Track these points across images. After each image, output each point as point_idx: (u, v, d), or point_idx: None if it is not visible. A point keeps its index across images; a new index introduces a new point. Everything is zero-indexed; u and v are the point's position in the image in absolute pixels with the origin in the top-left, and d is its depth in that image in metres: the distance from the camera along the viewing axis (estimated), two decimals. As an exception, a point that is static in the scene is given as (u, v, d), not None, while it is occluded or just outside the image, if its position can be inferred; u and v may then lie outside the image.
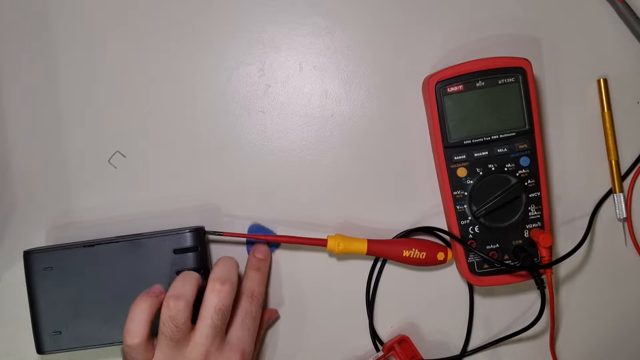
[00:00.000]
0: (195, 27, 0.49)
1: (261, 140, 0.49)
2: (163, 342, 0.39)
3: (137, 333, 0.39)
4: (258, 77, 0.49)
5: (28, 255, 0.45)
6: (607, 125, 0.49)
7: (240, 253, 0.50)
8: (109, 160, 0.49)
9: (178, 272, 0.45)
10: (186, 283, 0.41)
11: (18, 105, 0.49)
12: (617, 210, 0.50)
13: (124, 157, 0.49)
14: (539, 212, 0.46)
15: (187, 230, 0.45)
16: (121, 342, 0.45)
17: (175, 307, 0.39)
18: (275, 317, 0.50)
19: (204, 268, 0.46)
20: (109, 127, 0.49)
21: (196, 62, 0.49)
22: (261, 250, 0.48)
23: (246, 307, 0.43)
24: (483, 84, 0.45)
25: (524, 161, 0.45)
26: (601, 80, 0.49)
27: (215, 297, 0.40)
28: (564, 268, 0.51)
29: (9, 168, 0.49)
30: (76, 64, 0.49)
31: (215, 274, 0.42)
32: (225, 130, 0.49)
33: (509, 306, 0.51)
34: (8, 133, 0.49)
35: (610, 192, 0.50)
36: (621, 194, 0.49)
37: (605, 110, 0.49)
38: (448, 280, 0.50)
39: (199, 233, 0.46)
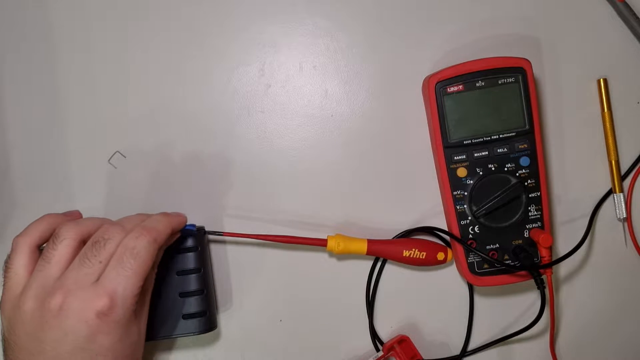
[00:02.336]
0: (195, 27, 0.49)
1: (261, 140, 0.49)
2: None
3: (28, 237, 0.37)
4: (258, 77, 0.49)
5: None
6: (607, 125, 0.49)
7: (240, 253, 0.50)
8: (109, 160, 0.49)
9: (178, 272, 0.45)
10: (160, 223, 0.39)
11: (18, 105, 0.49)
12: (617, 210, 0.50)
13: (124, 157, 0.49)
14: (539, 212, 0.46)
15: (187, 230, 0.45)
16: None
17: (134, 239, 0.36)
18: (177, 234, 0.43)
19: (204, 268, 0.46)
20: (109, 127, 0.49)
21: (196, 62, 0.49)
22: (180, 214, 0.44)
23: (128, 243, 0.36)
24: (483, 84, 0.45)
25: (524, 161, 0.45)
26: (601, 80, 0.49)
27: (97, 232, 0.37)
28: (564, 268, 0.51)
29: (9, 168, 0.49)
30: (76, 63, 0.49)
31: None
32: (226, 130, 0.49)
33: (509, 306, 0.51)
34: (8, 133, 0.49)
35: (610, 192, 0.50)
36: (621, 194, 0.49)
37: (605, 110, 0.49)
38: (448, 280, 0.50)
39: (199, 233, 0.46)
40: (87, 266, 0.35)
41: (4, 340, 0.37)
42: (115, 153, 0.49)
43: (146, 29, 0.49)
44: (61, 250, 0.36)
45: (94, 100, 0.49)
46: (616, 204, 0.50)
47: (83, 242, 0.38)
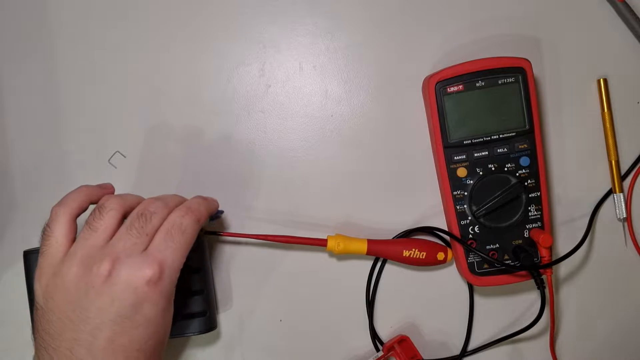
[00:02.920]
0: (195, 27, 0.49)
1: (261, 140, 0.49)
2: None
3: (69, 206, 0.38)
4: (258, 77, 0.49)
5: (28, 255, 0.45)
6: (607, 125, 0.49)
7: (240, 253, 0.50)
8: (109, 160, 0.49)
9: (178, 272, 0.45)
10: (201, 205, 0.39)
11: (18, 105, 0.49)
12: (617, 210, 0.50)
13: (124, 157, 0.49)
14: (539, 212, 0.46)
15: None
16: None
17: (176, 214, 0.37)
18: (217, 212, 0.44)
19: (203, 268, 0.46)
20: (109, 127, 0.49)
21: (196, 62, 0.49)
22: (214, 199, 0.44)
23: (176, 220, 0.37)
24: (483, 84, 0.45)
25: (524, 161, 0.45)
26: (601, 80, 0.49)
27: (141, 205, 0.38)
28: (564, 268, 0.51)
29: (9, 168, 0.49)
30: (76, 64, 0.49)
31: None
32: (226, 130, 0.49)
33: (509, 306, 0.51)
34: (8, 133, 0.49)
35: (610, 192, 0.50)
36: (621, 194, 0.49)
37: (605, 110, 0.49)
38: (448, 280, 0.50)
39: (199, 233, 0.46)
40: (135, 236, 0.36)
41: (38, 309, 0.36)
42: (115, 153, 0.49)
43: (146, 30, 0.49)
44: (107, 220, 0.36)
45: (93, 100, 0.49)
46: (616, 204, 0.50)
47: (125, 216, 0.38)
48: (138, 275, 0.34)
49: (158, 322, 0.36)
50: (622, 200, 0.49)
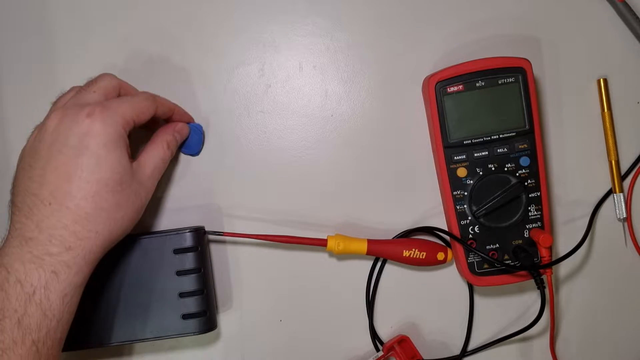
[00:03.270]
0: (195, 27, 0.49)
1: (261, 140, 0.49)
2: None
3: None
4: (258, 77, 0.49)
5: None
6: (607, 125, 0.49)
7: (240, 253, 0.50)
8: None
9: (178, 272, 0.45)
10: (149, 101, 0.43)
11: (18, 105, 0.49)
12: (617, 210, 0.50)
13: (124, 157, 0.49)
14: (539, 212, 0.46)
15: (187, 230, 0.45)
16: (120, 342, 0.45)
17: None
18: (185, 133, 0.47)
19: (204, 268, 0.46)
20: (109, 127, 0.49)
21: (196, 62, 0.49)
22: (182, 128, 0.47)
23: (139, 96, 0.42)
24: (483, 84, 0.45)
25: (524, 161, 0.45)
26: (601, 80, 0.49)
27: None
28: (564, 268, 0.51)
29: (9, 168, 0.49)
30: (76, 63, 0.49)
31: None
32: (226, 130, 0.49)
33: (509, 306, 0.51)
34: (8, 133, 0.49)
35: (610, 192, 0.50)
36: (621, 194, 0.49)
37: (605, 110, 0.49)
38: (448, 280, 0.50)
39: (199, 233, 0.46)
40: (95, 92, 0.40)
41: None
42: (115, 153, 0.49)
43: (146, 29, 0.49)
44: (71, 93, 0.42)
45: (94, 100, 0.49)
46: (616, 204, 0.50)
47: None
48: (82, 112, 0.38)
49: (103, 164, 0.38)
50: (622, 200, 0.49)
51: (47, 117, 0.40)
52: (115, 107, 0.39)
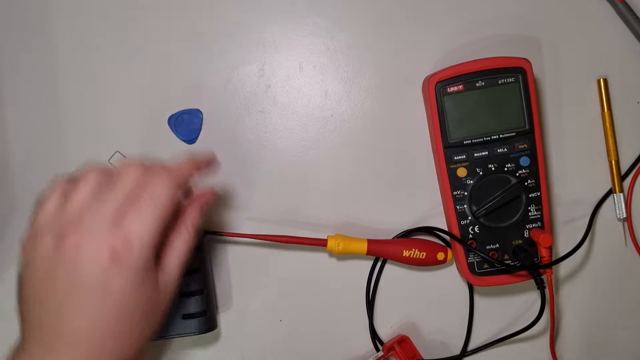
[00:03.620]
0: (195, 27, 0.49)
1: (261, 140, 0.49)
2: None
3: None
4: (258, 77, 0.49)
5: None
6: (607, 125, 0.49)
7: (240, 253, 0.50)
8: (109, 160, 0.49)
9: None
10: (183, 165, 0.38)
11: (18, 105, 0.49)
12: (617, 210, 0.50)
13: (124, 157, 0.49)
14: (539, 212, 0.46)
15: (187, 230, 0.45)
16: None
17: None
18: (214, 200, 0.42)
19: (203, 268, 0.46)
20: (109, 127, 0.49)
21: (196, 62, 0.49)
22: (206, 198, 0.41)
23: (148, 185, 0.35)
24: (483, 84, 0.45)
25: (524, 161, 0.45)
26: (601, 80, 0.49)
27: (116, 169, 0.36)
28: (564, 268, 0.51)
29: (9, 168, 0.49)
30: (76, 63, 0.49)
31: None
32: (226, 130, 0.49)
33: (509, 306, 0.51)
34: (8, 133, 0.49)
35: (610, 192, 0.50)
36: (621, 194, 0.49)
37: (605, 110, 0.49)
38: (448, 280, 0.50)
39: (200, 233, 0.46)
40: (102, 205, 0.34)
41: (19, 278, 0.36)
42: (115, 153, 0.49)
43: (146, 29, 0.49)
44: (84, 191, 0.35)
45: (94, 100, 0.49)
46: (616, 204, 0.50)
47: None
48: (102, 250, 0.32)
49: (129, 300, 0.33)
50: (622, 200, 0.49)
51: (65, 233, 0.33)
52: (139, 232, 0.33)
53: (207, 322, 0.45)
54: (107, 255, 0.32)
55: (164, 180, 0.35)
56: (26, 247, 0.36)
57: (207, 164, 0.40)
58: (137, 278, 0.33)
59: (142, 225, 0.33)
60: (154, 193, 0.34)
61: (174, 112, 0.49)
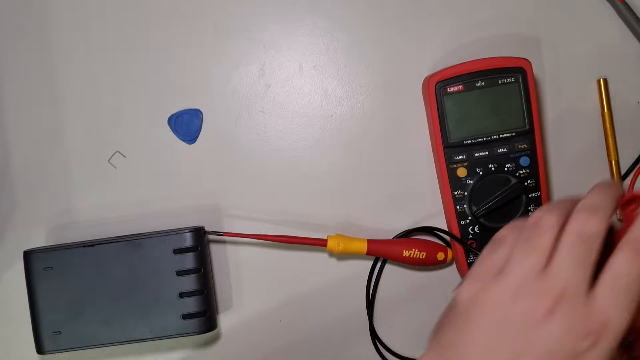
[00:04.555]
0: (195, 27, 0.49)
1: (261, 140, 0.49)
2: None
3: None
4: (258, 77, 0.49)
5: (28, 255, 0.45)
6: (607, 125, 0.49)
7: (240, 253, 0.50)
8: (109, 160, 0.49)
9: (178, 273, 0.45)
10: (604, 196, 0.31)
11: (18, 105, 0.49)
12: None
13: (124, 157, 0.49)
14: (539, 212, 0.46)
15: (187, 230, 0.45)
16: (120, 342, 0.44)
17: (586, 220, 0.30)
18: None
19: (203, 268, 0.46)
20: (109, 127, 0.49)
21: (196, 62, 0.49)
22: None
23: (623, 267, 0.29)
24: (483, 84, 0.45)
25: (524, 161, 0.45)
26: (601, 80, 0.49)
27: (577, 224, 0.30)
28: (564, 268, 0.51)
29: (9, 168, 0.49)
30: (76, 64, 0.49)
31: (586, 200, 0.31)
32: (226, 130, 0.49)
33: (509, 306, 0.51)
34: (8, 133, 0.49)
35: (610, 192, 0.50)
36: None
37: (605, 110, 0.49)
38: (448, 280, 0.50)
39: (199, 233, 0.46)
40: (581, 268, 0.29)
41: (451, 309, 0.32)
42: (115, 153, 0.49)
43: (146, 29, 0.49)
44: (547, 237, 0.30)
45: (94, 100, 0.49)
46: None
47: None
48: (579, 330, 0.28)
49: None
50: None
51: (537, 297, 0.29)
52: (618, 319, 0.28)
53: (207, 322, 0.45)
54: (581, 338, 0.28)
55: (633, 261, 0.29)
56: (476, 282, 0.31)
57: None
58: None
59: (622, 310, 0.28)
60: (624, 273, 0.29)
61: (174, 112, 0.49)
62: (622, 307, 0.28)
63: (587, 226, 0.30)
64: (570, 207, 0.31)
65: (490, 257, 0.32)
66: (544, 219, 0.31)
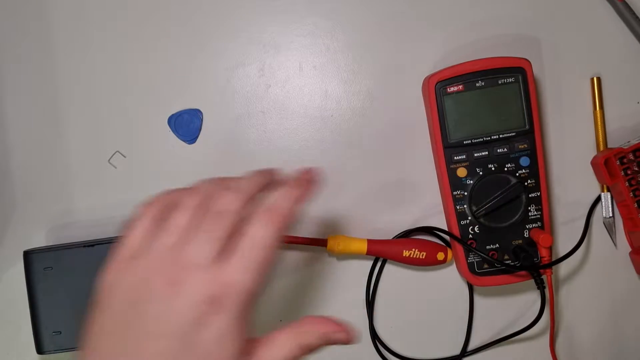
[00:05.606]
0: (195, 27, 0.49)
1: (261, 140, 0.49)
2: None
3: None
4: (258, 77, 0.49)
5: (28, 255, 0.45)
6: (599, 124, 0.49)
7: (240, 253, 0.50)
8: (109, 160, 0.49)
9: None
10: (247, 180, 0.34)
11: (18, 105, 0.49)
12: (603, 210, 0.49)
13: (124, 157, 0.49)
14: (539, 212, 0.46)
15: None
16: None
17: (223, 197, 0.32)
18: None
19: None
20: (109, 127, 0.49)
21: (196, 62, 0.49)
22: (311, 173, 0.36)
23: (251, 232, 0.31)
24: (483, 84, 0.45)
25: (524, 161, 0.45)
26: (594, 78, 0.49)
27: (213, 199, 0.32)
28: (564, 268, 0.51)
29: (9, 168, 0.49)
30: (76, 64, 0.49)
31: (230, 182, 0.34)
32: (226, 130, 0.49)
33: (509, 306, 0.51)
34: (8, 133, 0.49)
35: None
36: (608, 193, 0.49)
37: (598, 109, 0.49)
38: (448, 280, 0.50)
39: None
40: (204, 240, 0.31)
41: (95, 305, 0.33)
42: (115, 153, 0.49)
43: (146, 30, 0.49)
44: (181, 219, 0.32)
45: (94, 100, 0.49)
46: (603, 204, 0.49)
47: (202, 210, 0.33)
48: (202, 293, 0.30)
49: (216, 353, 0.30)
50: (610, 199, 0.49)
51: (164, 271, 0.30)
52: (241, 281, 0.30)
53: None
54: (205, 300, 0.29)
55: (272, 227, 0.32)
56: (111, 272, 0.33)
57: (312, 192, 0.35)
58: (233, 329, 0.30)
59: (245, 274, 0.30)
60: (260, 242, 0.31)
61: (174, 112, 0.49)
62: (246, 269, 0.30)
63: (221, 203, 0.32)
64: (214, 187, 0.33)
65: (127, 239, 0.33)
66: (183, 200, 0.32)
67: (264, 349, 0.32)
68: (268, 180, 0.35)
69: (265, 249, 0.31)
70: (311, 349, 0.33)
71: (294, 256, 0.50)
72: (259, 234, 0.31)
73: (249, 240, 0.31)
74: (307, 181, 0.35)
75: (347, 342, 0.35)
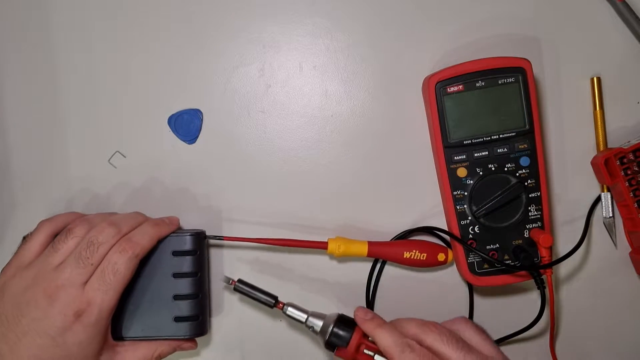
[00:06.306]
0: (195, 27, 0.49)
1: (261, 140, 0.49)
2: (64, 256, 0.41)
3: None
4: (258, 77, 0.49)
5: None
6: (599, 124, 0.49)
7: (241, 256, 0.50)
8: (109, 160, 0.49)
9: (175, 275, 0.45)
10: (146, 235, 0.42)
11: (18, 105, 0.49)
12: (603, 210, 0.49)
13: (124, 157, 0.49)
14: (539, 212, 0.46)
15: (188, 234, 0.45)
16: (114, 339, 0.44)
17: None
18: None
19: (201, 272, 0.45)
20: (109, 127, 0.49)
21: (196, 62, 0.49)
22: (173, 220, 0.46)
23: (112, 258, 0.40)
24: (483, 84, 0.45)
25: (524, 161, 0.45)
26: (594, 78, 0.49)
27: (93, 231, 0.41)
28: (564, 268, 0.51)
29: (9, 168, 0.49)
30: (76, 64, 0.49)
31: (117, 218, 0.43)
32: (226, 130, 0.49)
33: (509, 306, 0.51)
34: (8, 133, 0.49)
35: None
36: (608, 193, 0.49)
37: (597, 109, 0.49)
38: (448, 281, 0.50)
39: (199, 237, 0.45)
40: (80, 266, 0.40)
41: None
42: (115, 153, 0.49)
43: (146, 30, 0.49)
44: (69, 244, 0.41)
45: (94, 100, 0.49)
46: (603, 204, 0.49)
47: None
48: (70, 306, 0.39)
49: (78, 351, 0.40)
50: (609, 199, 0.49)
51: (45, 282, 0.40)
52: (100, 300, 0.40)
53: (199, 326, 0.45)
54: (72, 311, 0.39)
55: (126, 255, 0.41)
56: (5, 275, 0.41)
57: (168, 233, 0.45)
58: (90, 337, 0.40)
59: (104, 293, 0.40)
60: (116, 267, 0.40)
61: (174, 112, 0.49)
62: (102, 290, 0.40)
63: (96, 236, 0.41)
64: (99, 221, 0.42)
65: (24, 250, 0.42)
66: (75, 228, 0.41)
67: (129, 353, 0.44)
68: (141, 220, 0.44)
69: (119, 273, 0.40)
70: (162, 356, 0.45)
71: (294, 259, 0.50)
72: (114, 259, 0.40)
73: (109, 265, 0.40)
74: (163, 223, 0.45)
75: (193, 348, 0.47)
